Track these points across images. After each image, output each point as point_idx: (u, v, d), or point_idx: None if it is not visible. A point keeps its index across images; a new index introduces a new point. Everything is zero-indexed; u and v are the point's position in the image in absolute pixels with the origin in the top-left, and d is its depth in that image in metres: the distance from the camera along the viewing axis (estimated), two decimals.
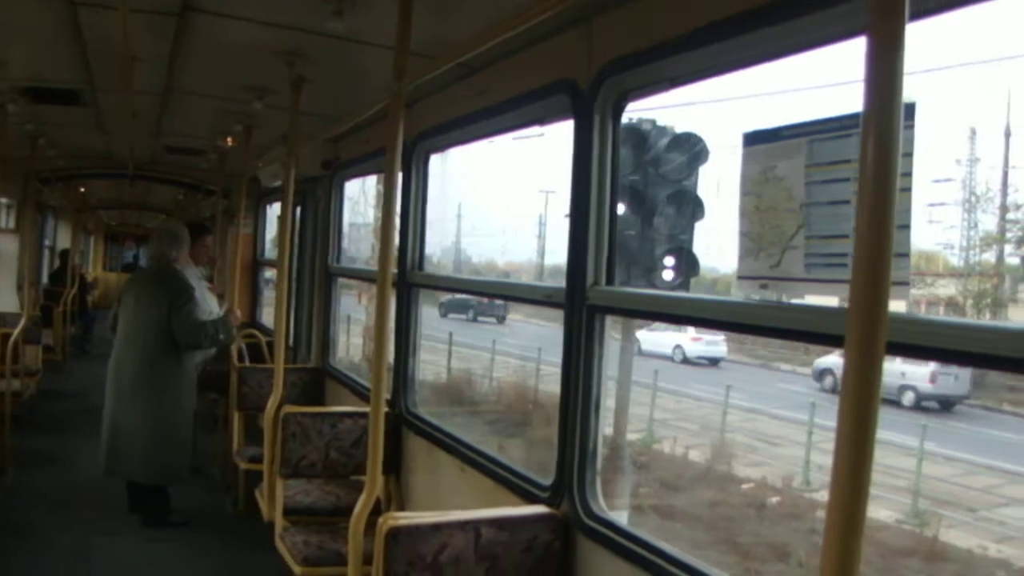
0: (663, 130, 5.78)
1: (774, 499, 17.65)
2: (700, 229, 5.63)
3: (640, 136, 5.74)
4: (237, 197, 10.60)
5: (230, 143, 8.84)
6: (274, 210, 12.54)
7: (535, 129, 5.13)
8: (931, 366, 21.00)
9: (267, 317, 12.44)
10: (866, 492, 1.74)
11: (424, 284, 6.33)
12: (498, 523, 3.90)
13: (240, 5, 4.59)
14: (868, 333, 1.73)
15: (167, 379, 7.53)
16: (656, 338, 27.51)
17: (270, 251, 13.16)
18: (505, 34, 3.47)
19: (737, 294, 3.31)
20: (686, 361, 28.61)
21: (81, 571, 6.68)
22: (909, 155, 2.48)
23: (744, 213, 3.13)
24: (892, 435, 17.92)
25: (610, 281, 4.01)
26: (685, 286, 5.48)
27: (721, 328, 3.53)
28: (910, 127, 2.48)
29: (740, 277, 3.16)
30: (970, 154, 27.30)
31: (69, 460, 9.50)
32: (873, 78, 1.73)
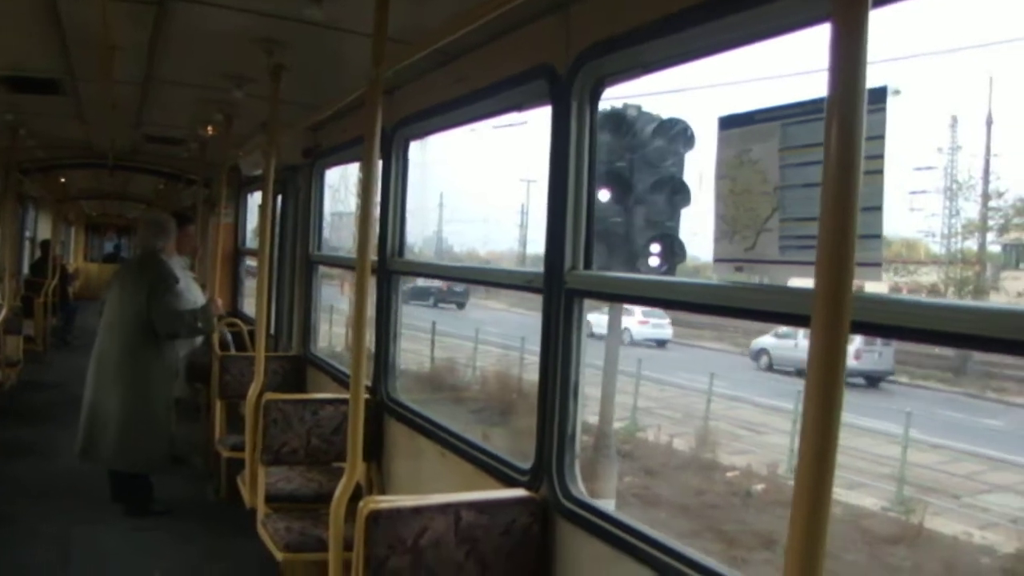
0: (649, 116, 5.80)
1: (730, 474, 18.23)
2: (686, 215, 5.64)
3: (626, 122, 5.75)
4: (218, 186, 10.61)
5: (210, 132, 8.82)
6: (255, 199, 12.49)
7: (517, 117, 5.15)
8: (856, 343, 21.26)
9: (248, 306, 12.44)
10: (831, 469, 1.76)
11: (404, 271, 6.34)
12: (478, 506, 3.92)
13: None
14: (833, 313, 1.76)
15: (145, 367, 7.53)
16: (606, 321, 28.00)
17: (251, 240, 13.11)
18: (483, 19, 3.48)
19: (713, 277, 3.34)
20: (633, 343, 28.85)
21: (63, 560, 6.68)
22: (880, 138, 2.51)
23: (719, 196, 3.16)
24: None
25: (588, 265, 4.03)
26: (671, 273, 5.49)
27: (698, 310, 3.55)
28: (880, 111, 2.52)
29: (716, 260, 3.19)
30: (951, 142, 27.47)
31: (50, 450, 9.49)
32: (837, 64, 1.76)
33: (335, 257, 9.78)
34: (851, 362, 21.98)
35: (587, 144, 3.99)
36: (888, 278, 24.64)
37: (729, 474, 18.10)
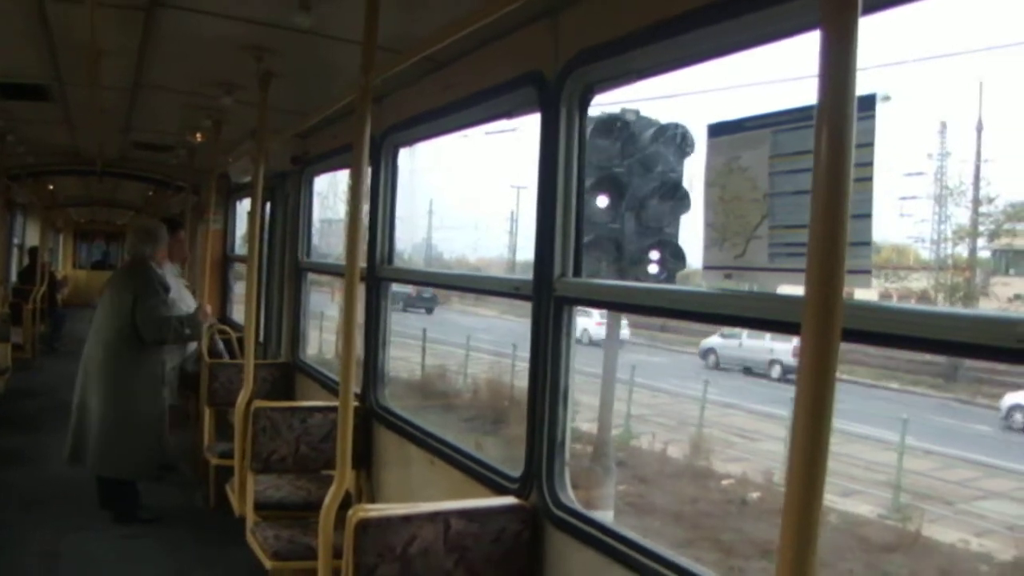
0: (647, 121, 5.77)
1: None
2: (685, 222, 5.60)
3: (624, 127, 5.72)
4: (207, 193, 10.59)
5: (199, 139, 8.82)
6: (244, 206, 12.49)
7: (507, 125, 5.14)
8: (794, 341, 22.02)
9: (237, 313, 12.41)
10: (822, 476, 1.76)
11: (393, 278, 6.33)
12: (467, 514, 3.91)
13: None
14: (823, 320, 1.76)
15: (128, 373, 7.50)
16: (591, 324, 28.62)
17: (240, 247, 13.10)
18: (471, 27, 3.48)
19: (702, 284, 3.33)
20: (592, 343, 29.43)
21: (52, 568, 6.65)
22: (869, 145, 2.51)
23: (709, 204, 3.16)
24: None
25: (577, 273, 4.03)
26: (671, 280, 5.47)
27: (687, 318, 3.55)
28: (870, 118, 2.52)
29: (705, 267, 3.19)
30: (940, 148, 27.54)
31: (39, 457, 9.44)
32: (826, 71, 1.76)
33: (324, 264, 9.78)
34: (789, 359, 23.00)
35: (576, 151, 3.99)
36: (879, 284, 24.77)
37: (726, 483, 18.24)
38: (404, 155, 6.17)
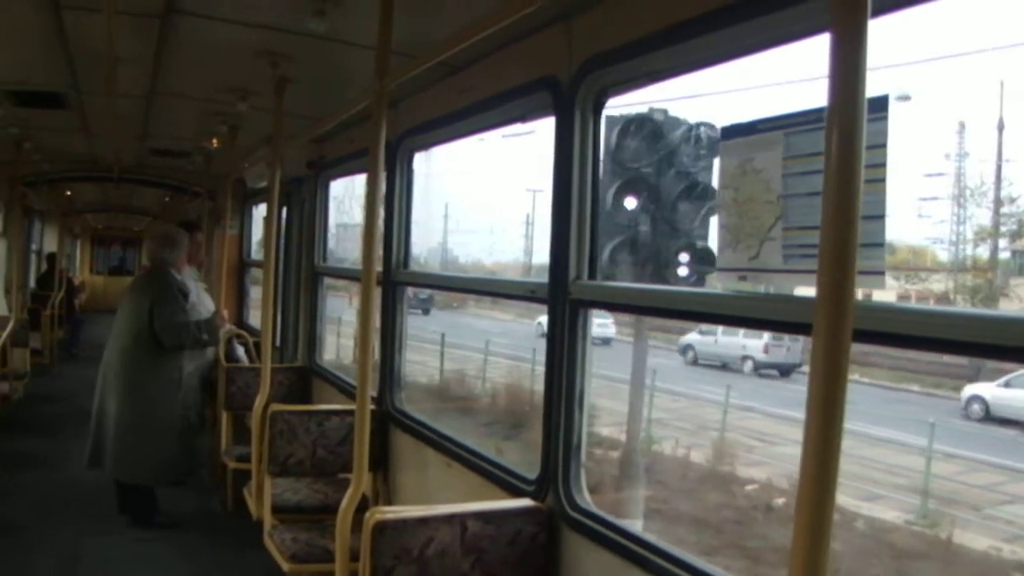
0: (676, 121, 5.75)
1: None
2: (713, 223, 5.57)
3: (653, 127, 5.70)
4: (223, 198, 10.61)
5: (215, 144, 8.85)
6: (260, 211, 12.53)
7: (523, 127, 5.15)
8: (764, 338, 24.65)
9: (254, 318, 12.46)
10: (834, 477, 1.76)
11: (410, 282, 6.35)
12: (484, 516, 3.92)
13: (223, 6, 4.60)
14: (834, 321, 1.76)
15: (145, 379, 7.54)
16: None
17: (256, 252, 13.14)
18: (486, 31, 3.49)
19: (717, 286, 3.34)
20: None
21: (71, 571, 6.69)
22: (882, 147, 2.51)
23: (723, 205, 3.17)
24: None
25: (592, 275, 4.04)
26: (701, 283, 5.45)
27: (701, 319, 3.58)
28: (882, 119, 2.52)
29: (720, 269, 3.19)
30: (959, 148, 27.38)
31: (58, 462, 9.50)
32: (837, 73, 1.76)
33: (340, 268, 9.80)
34: (760, 355, 24.58)
35: (590, 155, 4.01)
36: (898, 285, 24.71)
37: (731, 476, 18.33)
38: (420, 159, 6.20)
